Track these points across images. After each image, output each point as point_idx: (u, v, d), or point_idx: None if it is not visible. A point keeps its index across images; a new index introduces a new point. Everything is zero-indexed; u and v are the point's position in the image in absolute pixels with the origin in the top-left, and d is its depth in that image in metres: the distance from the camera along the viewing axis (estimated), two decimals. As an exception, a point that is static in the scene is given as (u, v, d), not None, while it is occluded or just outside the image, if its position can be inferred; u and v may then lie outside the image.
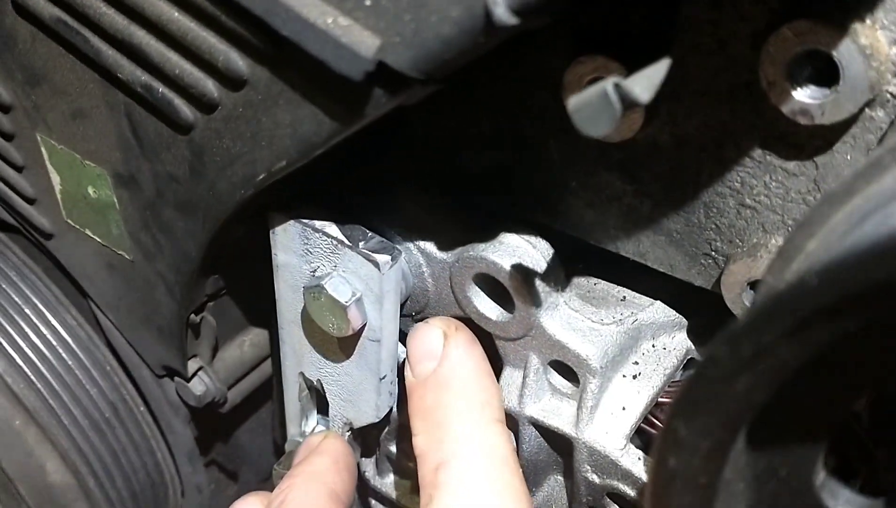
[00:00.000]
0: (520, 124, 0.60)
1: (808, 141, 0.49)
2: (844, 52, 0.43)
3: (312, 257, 0.65)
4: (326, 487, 0.61)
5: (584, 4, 0.49)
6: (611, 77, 0.38)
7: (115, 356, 0.91)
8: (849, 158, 0.48)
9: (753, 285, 0.54)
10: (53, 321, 0.90)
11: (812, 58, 0.45)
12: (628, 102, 0.38)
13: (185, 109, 0.58)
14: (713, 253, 0.56)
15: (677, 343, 0.63)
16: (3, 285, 0.89)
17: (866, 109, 0.46)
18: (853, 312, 0.25)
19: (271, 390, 0.96)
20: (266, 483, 1.10)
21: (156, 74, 0.58)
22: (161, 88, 0.59)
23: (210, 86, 0.55)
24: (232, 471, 1.08)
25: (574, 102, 0.39)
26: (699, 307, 0.63)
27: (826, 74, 0.45)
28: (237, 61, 0.52)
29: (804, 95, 0.46)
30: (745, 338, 0.27)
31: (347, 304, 0.63)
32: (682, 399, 0.31)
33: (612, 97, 0.37)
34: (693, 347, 0.64)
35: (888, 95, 0.45)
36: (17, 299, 0.89)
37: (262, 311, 0.87)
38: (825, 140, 0.48)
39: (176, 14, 0.53)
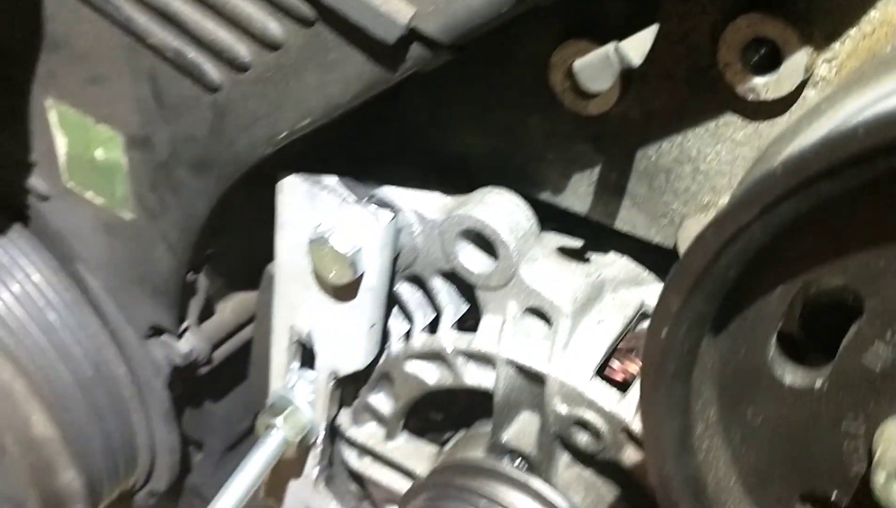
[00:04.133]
0: (505, 101, 0.70)
1: (754, 115, 0.59)
2: (787, 40, 0.54)
3: (317, 213, 0.72)
4: None
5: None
6: (611, 42, 0.48)
7: (99, 318, 0.95)
8: (785, 128, 0.59)
9: (704, 237, 0.64)
10: (42, 283, 0.94)
11: (761, 44, 0.55)
12: (625, 63, 0.47)
13: (215, 73, 0.65)
14: (670, 213, 0.67)
15: (634, 297, 0.73)
16: (-5, 249, 0.93)
17: (802, 90, 0.57)
18: (805, 195, 0.35)
19: (243, 357, 1.02)
20: (231, 451, 1.15)
21: (189, 40, 0.65)
22: (192, 53, 0.66)
23: (243, 50, 0.63)
24: (197, 439, 1.12)
25: (579, 63, 0.49)
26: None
27: (772, 58, 0.56)
28: (275, 28, 0.60)
29: (753, 75, 0.56)
30: (728, 221, 0.37)
31: (349, 255, 0.71)
32: (674, 276, 0.40)
33: (612, 58, 0.47)
34: (646, 301, 0.74)
35: (819, 78, 0.56)
36: (7, 260, 0.93)
37: (248, 275, 0.94)
38: (768, 114, 0.59)
39: (218, -16, 0.61)
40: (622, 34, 0.56)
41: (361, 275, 0.73)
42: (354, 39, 0.56)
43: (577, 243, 0.75)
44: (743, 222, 0.37)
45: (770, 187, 0.35)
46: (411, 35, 0.53)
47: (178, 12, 0.64)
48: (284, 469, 0.94)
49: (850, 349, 0.43)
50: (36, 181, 0.88)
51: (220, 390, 1.08)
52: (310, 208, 0.73)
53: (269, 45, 0.61)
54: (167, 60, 0.67)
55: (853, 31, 0.55)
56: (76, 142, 0.81)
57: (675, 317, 0.41)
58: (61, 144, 0.83)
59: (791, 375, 0.44)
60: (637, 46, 0.48)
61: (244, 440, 1.15)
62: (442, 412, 0.88)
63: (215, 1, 0.61)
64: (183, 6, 0.63)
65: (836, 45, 0.55)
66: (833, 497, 0.49)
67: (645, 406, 0.47)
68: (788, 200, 0.35)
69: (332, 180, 0.71)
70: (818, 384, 0.44)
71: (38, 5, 0.70)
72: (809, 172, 0.34)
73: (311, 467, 0.92)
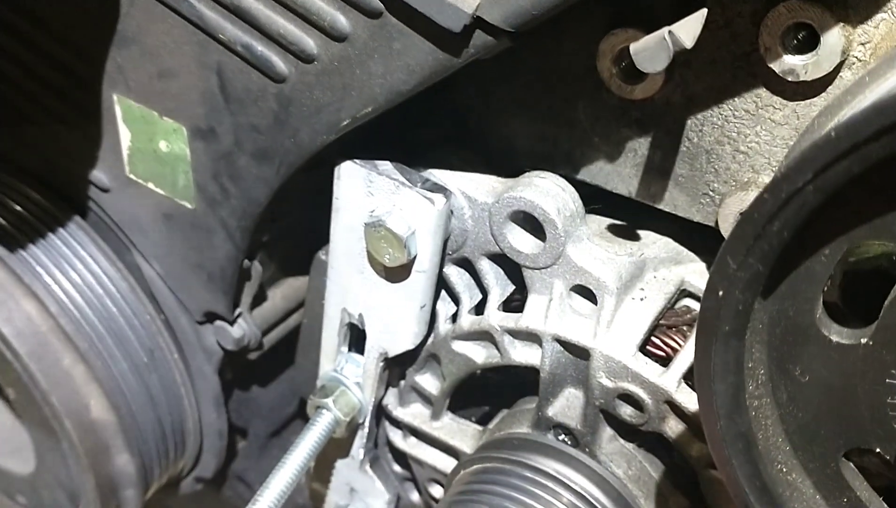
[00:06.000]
0: (553, 87, 0.73)
1: (793, 96, 0.63)
2: (824, 24, 0.58)
3: (373, 198, 0.76)
4: None
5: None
6: (665, 27, 0.52)
7: (154, 305, 0.99)
8: (823, 109, 0.62)
9: (744, 215, 0.68)
10: (99, 273, 0.98)
11: (800, 29, 0.59)
12: (678, 46, 0.51)
13: (282, 65, 0.69)
14: (711, 192, 0.70)
15: (674, 276, 0.77)
16: (57, 239, 0.97)
17: (838, 71, 0.60)
18: (856, 157, 0.39)
19: (289, 344, 1.06)
20: (275, 437, 1.19)
21: (258, 34, 0.69)
22: (261, 47, 0.70)
23: (311, 43, 0.67)
24: (242, 425, 1.16)
25: (635, 46, 0.53)
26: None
27: (809, 42, 0.60)
28: (343, 20, 0.64)
29: (792, 58, 0.60)
30: (784, 184, 0.41)
31: (405, 237, 0.74)
32: (732, 238, 0.44)
33: (667, 42, 0.51)
34: (686, 279, 0.77)
35: (854, 60, 0.60)
36: (68, 251, 0.98)
37: (298, 262, 0.98)
38: (805, 95, 0.63)
39: (289, -19, 0.65)
40: (669, 23, 0.60)
41: (414, 258, 0.76)
42: (420, 29, 0.60)
43: (619, 223, 0.78)
44: (798, 185, 0.40)
45: (824, 151, 0.39)
46: (476, 23, 0.57)
47: (249, 8, 0.68)
48: (331, 451, 0.98)
49: (893, 306, 0.47)
50: (98, 174, 0.92)
51: (267, 376, 1.12)
52: (366, 193, 0.77)
53: (336, 37, 0.65)
54: (236, 54, 0.71)
55: (886, 16, 0.58)
56: (140, 135, 0.86)
57: (731, 277, 0.45)
58: (125, 137, 0.87)
59: (837, 334, 0.48)
60: (688, 30, 0.51)
61: (287, 426, 1.19)
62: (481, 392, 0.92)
63: (286, -2, 0.65)
64: (254, 3, 0.67)
65: (871, 29, 0.59)
66: (877, 451, 0.52)
67: (700, 365, 0.51)
68: (840, 162, 0.39)
69: (387, 166, 0.75)
70: (863, 341, 0.48)
71: (115, 6, 0.74)
72: (861, 135, 0.38)
73: (358, 448, 0.96)
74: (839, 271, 0.53)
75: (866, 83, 0.47)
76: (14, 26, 0.86)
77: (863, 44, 0.59)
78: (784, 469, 0.54)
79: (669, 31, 0.51)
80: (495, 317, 0.80)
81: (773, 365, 0.52)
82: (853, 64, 0.60)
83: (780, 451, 0.54)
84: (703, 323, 0.48)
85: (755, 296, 0.47)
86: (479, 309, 0.83)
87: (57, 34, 0.83)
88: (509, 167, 0.78)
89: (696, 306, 0.78)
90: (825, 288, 0.48)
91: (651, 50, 0.51)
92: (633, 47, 0.52)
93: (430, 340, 0.86)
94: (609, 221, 0.78)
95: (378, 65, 0.64)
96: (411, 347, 0.84)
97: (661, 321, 0.76)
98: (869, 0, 0.58)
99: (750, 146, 0.67)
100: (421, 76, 0.63)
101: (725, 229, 0.69)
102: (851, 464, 0.54)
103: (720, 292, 0.46)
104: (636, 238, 0.77)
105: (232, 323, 0.96)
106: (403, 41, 0.62)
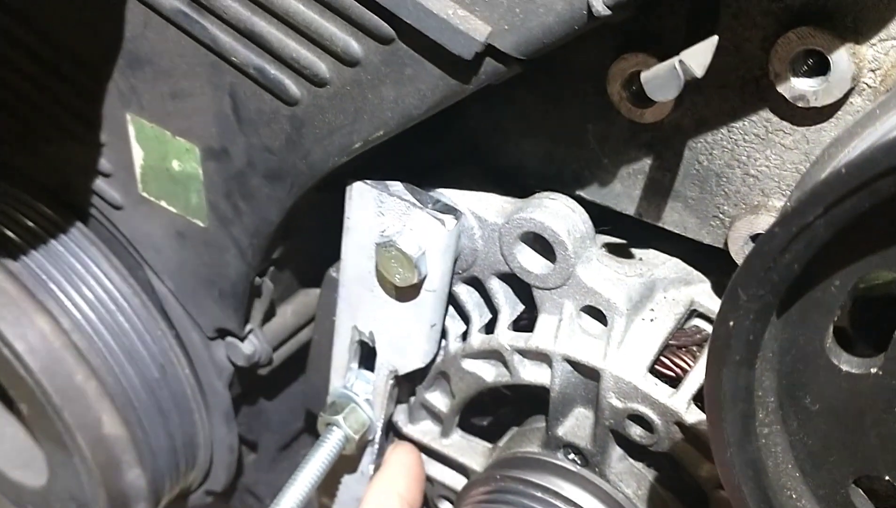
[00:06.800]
0: (563, 109, 0.74)
1: (803, 122, 0.63)
2: (834, 51, 0.58)
3: (384, 218, 0.77)
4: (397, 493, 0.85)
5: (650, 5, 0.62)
6: (675, 56, 0.52)
7: (165, 321, 1.00)
8: (833, 135, 0.62)
9: (755, 238, 0.68)
10: (112, 289, 0.99)
11: (810, 55, 0.59)
12: (689, 75, 0.52)
13: (294, 88, 0.70)
14: (721, 215, 0.71)
15: (684, 296, 0.77)
16: (70, 256, 0.98)
17: (848, 97, 0.61)
18: (865, 193, 0.39)
19: (299, 358, 1.06)
20: (284, 451, 1.19)
21: (271, 58, 0.70)
22: (273, 70, 0.70)
23: (324, 67, 0.67)
24: (252, 439, 1.17)
25: (646, 75, 0.53)
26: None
27: (819, 68, 0.60)
28: (355, 46, 0.64)
29: (802, 83, 0.60)
30: (795, 218, 0.41)
31: (415, 257, 0.75)
32: (743, 270, 0.44)
33: (678, 71, 0.51)
34: (695, 299, 0.77)
35: (865, 86, 0.60)
36: (81, 268, 0.98)
37: (309, 278, 0.98)
38: (815, 121, 0.63)
39: (302, 7, 0.65)
40: (680, 48, 0.60)
41: (424, 277, 0.77)
42: (432, 56, 0.60)
43: (628, 244, 0.79)
44: (808, 220, 0.41)
45: (834, 187, 0.39)
46: (487, 51, 0.58)
47: (262, 32, 0.68)
48: (340, 467, 0.98)
49: (903, 336, 0.47)
50: (111, 191, 0.93)
51: (276, 390, 1.13)
52: (377, 213, 0.77)
53: (348, 62, 0.65)
54: (248, 77, 0.72)
55: (897, 43, 0.59)
56: (152, 154, 0.86)
57: (742, 308, 0.45)
58: (138, 155, 0.88)
59: (847, 363, 0.48)
60: (699, 59, 0.52)
61: (297, 438, 1.20)
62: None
63: (299, 22, 0.66)
64: (267, 27, 0.68)
65: (881, 56, 0.59)
66: (886, 479, 0.52)
67: (711, 393, 0.51)
68: (851, 198, 0.39)
69: (398, 186, 0.76)
70: (873, 370, 0.48)
71: (119, 24, 0.75)
72: (871, 172, 0.38)
73: (367, 464, 0.96)
74: (849, 297, 0.53)
75: (877, 115, 0.47)
76: (27, 45, 0.87)
77: (873, 70, 0.59)
78: (794, 496, 0.54)
79: (680, 61, 0.51)
80: (505, 336, 0.80)
81: (783, 393, 0.52)
82: (863, 90, 0.60)
83: (789, 478, 0.54)
84: (713, 353, 0.48)
85: (766, 326, 0.47)
86: (489, 328, 0.83)
87: (70, 53, 0.84)
88: (519, 187, 0.79)
89: (705, 325, 0.78)
90: (836, 317, 0.48)
91: (662, 79, 0.51)
92: (643, 76, 0.52)
93: (439, 357, 0.86)
94: (619, 241, 0.79)
95: (390, 90, 0.65)
96: (421, 365, 0.84)
97: (670, 342, 0.76)
98: (879, 27, 0.58)
99: (760, 170, 0.67)
100: (432, 101, 0.63)
101: (735, 252, 0.69)
102: (861, 490, 0.54)
103: (731, 323, 0.46)
104: (645, 258, 0.78)
105: (243, 339, 0.96)
106: (415, 67, 0.63)
